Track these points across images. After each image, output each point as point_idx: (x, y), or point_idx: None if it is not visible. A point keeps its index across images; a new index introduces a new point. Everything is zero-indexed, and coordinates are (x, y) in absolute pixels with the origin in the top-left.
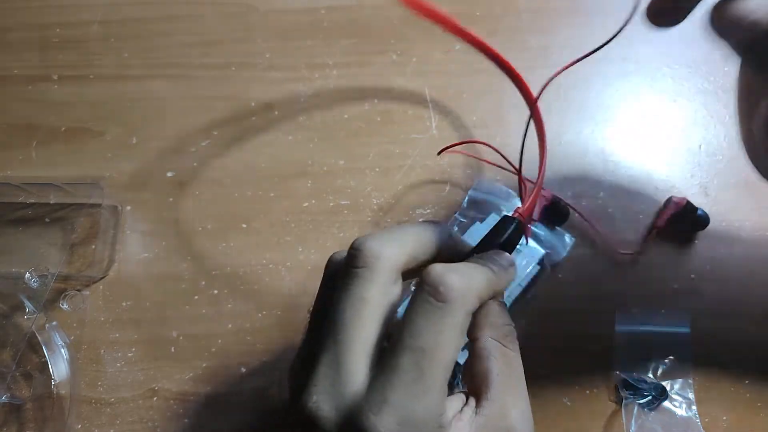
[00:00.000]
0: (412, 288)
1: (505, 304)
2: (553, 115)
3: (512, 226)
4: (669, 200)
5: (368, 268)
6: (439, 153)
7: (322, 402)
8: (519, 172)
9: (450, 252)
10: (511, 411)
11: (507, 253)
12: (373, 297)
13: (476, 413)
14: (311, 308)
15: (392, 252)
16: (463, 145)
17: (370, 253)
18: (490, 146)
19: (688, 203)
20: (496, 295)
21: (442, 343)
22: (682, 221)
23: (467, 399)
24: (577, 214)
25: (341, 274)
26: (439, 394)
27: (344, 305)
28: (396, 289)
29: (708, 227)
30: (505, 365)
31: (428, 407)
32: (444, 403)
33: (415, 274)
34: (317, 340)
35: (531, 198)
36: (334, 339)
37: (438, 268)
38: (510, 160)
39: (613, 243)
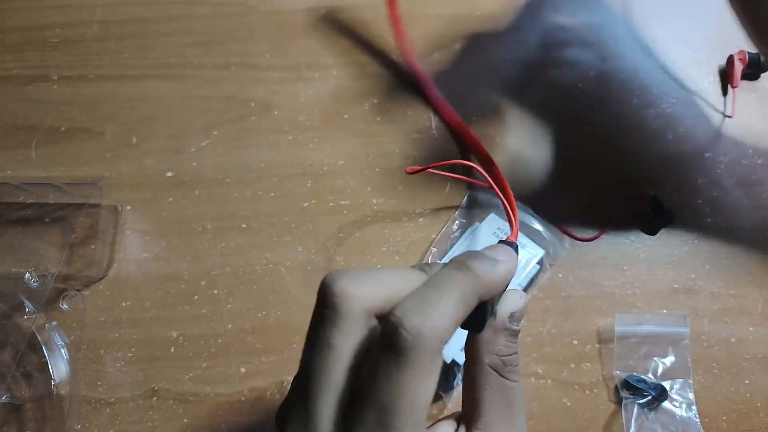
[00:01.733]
0: None
1: (516, 328)
2: None
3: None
4: (639, 194)
5: (335, 310)
6: (409, 173)
7: None
8: (507, 201)
9: None
10: None
11: (506, 245)
12: (339, 343)
13: None
14: (306, 343)
15: (364, 293)
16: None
17: (338, 293)
18: (471, 165)
19: (654, 198)
20: (492, 295)
21: (407, 396)
22: (648, 215)
23: (458, 426)
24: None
25: (314, 311)
26: None
27: (312, 351)
28: (370, 334)
29: (709, 227)
30: (500, 397)
31: None
32: None
33: None
34: (294, 382)
35: (515, 223)
36: (304, 385)
37: (396, 312)
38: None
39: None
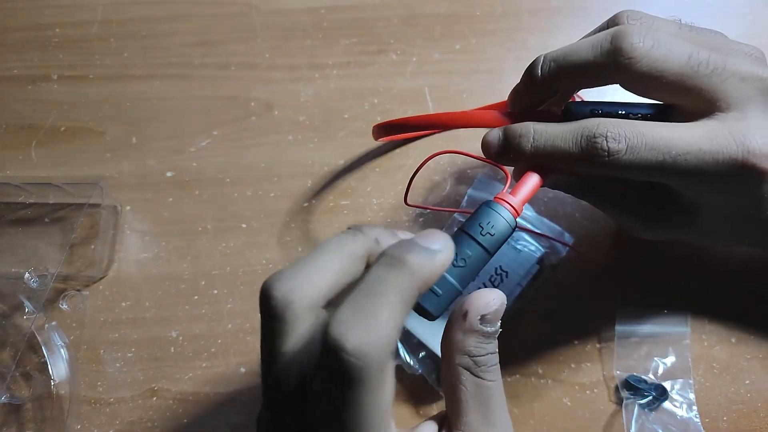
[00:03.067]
0: None
1: (489, 330)
2: None
3: (494, 216)
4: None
5: (281, 321)
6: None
7: None
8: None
9: None
10: None
11: (438, 232)
12: (292, 350)
13: None
14: (261, 359)
15: (305, 292)
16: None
17: (281, 302)
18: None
19: None
20: (431, 286)
21: (362, 415)
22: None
23: (440, 427)
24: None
25: (261, 322)
26: None
27: (267, 364)
28: (320, 325)
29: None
30: (477, 396)
31: None
32: None
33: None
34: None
35: (526, 186)
36: (271, 401)
37: (333, 333)
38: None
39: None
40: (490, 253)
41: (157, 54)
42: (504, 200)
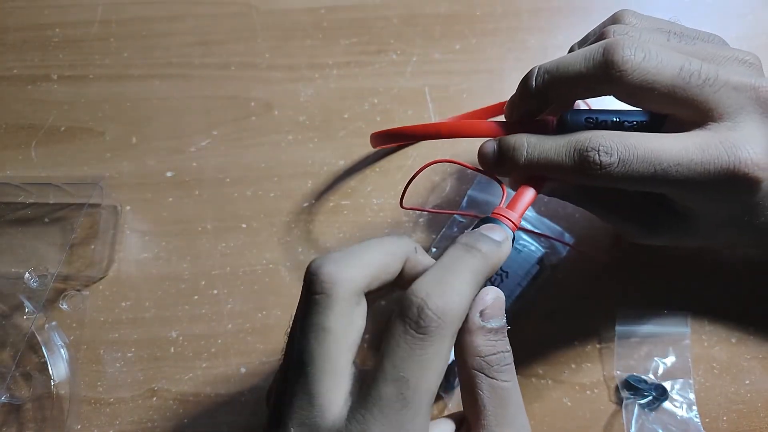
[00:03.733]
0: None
1: (493, 326)
2: None
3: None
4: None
5: (326, 294)
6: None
7: None
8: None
9: (416, 268)
10: None
11: (499, 225)
12: (334, 326)
13: None
14: (288, 329)
15: (351, 275)
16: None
17: (326, 278)
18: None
19: None
20: (495, 269)
21: (427, 372)
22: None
23: (458, 427)
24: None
25: (302, 299)
26: (424, 423)
27: (308, 336)
28: (360, 311)
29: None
30: (494, 398)
31: None
32: (427, 430)
33: (380, 292)
34: (290, 369)
35: (521, 200)
36: (303, 371)
37: (419, 294)
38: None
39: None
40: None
41: (157, 54)
42: (503, 215)
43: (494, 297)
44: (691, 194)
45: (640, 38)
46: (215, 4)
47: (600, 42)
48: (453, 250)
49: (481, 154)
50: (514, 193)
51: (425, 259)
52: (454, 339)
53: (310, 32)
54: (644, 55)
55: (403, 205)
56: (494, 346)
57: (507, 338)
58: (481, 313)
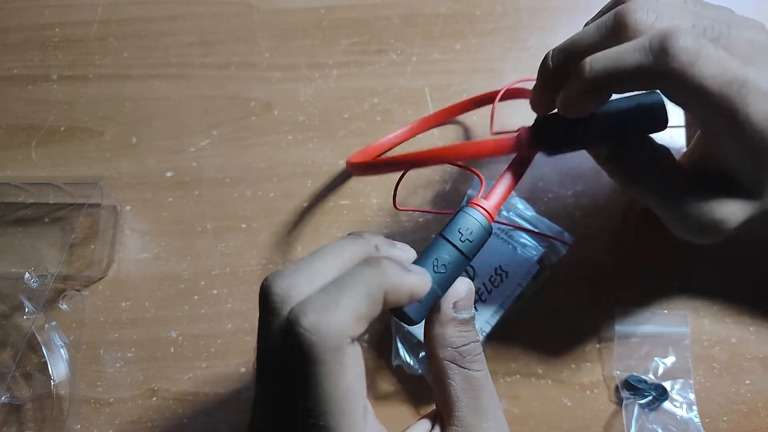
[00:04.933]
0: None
1: (464, 317)
2: None
3: (472, 223)
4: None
5: (278, 316)
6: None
7: None
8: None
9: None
10: None
11: (422, 270)
12: (346, 386)
13: None
14: (256, 354)
15: (303, 291)
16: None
17: (280, 299)
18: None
19: None
20: (399, 298)
21: (324, 394)
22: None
23: (433, 425)
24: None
25: (259, 317)
26: None
27: (262, 361)
28: (356, 350)
29: None
30: (467, 388)
31: None
32: None
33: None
34: (286, 410)
35: (501, 186)
36: (260, 391)
37: (294, 310)
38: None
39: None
40: (468, 258)
41: (157, 54)
42: (479, 205)
43: (467, 289)
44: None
45: (656, 1)
46: (215, 4)
47: (612, 9)
48: (355, 265)
49: (543, 64)
50: (493, 182)
51: (392, 251)
52: (350, 352)
53: (310, 32)
54: (656, 16)
55: (398, 206)
56: (466, 336)
57: (476, 328)
58: (455, 305)
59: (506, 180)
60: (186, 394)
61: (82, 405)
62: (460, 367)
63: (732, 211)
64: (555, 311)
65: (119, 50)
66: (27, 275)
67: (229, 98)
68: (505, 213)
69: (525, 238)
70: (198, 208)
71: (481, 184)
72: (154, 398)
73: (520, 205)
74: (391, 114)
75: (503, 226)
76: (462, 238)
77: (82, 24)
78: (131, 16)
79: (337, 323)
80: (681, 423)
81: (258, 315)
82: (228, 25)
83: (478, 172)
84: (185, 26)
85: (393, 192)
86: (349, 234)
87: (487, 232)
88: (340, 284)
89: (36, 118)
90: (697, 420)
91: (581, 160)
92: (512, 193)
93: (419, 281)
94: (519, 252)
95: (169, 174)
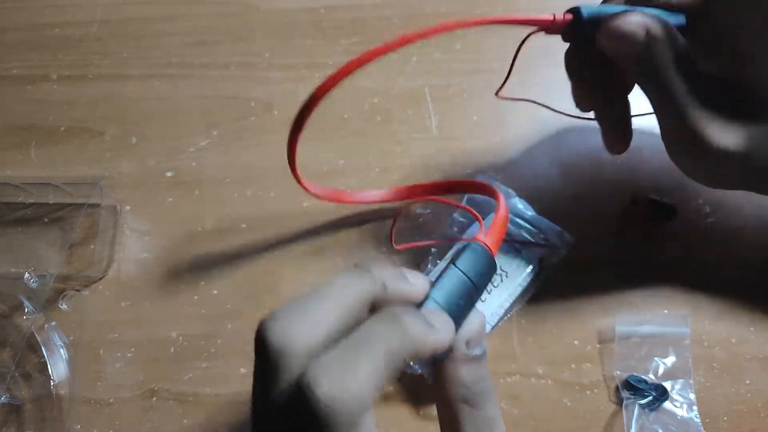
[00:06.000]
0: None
1: (477, 353)
2: None
3: (482, 258)
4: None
5: (273, 366)
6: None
7: None
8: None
9: (400, 298)
10: None
11: (439, 310)
12: (281, 395)
13: None
14: (252, 404)
15: (301, 339)
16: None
17: (277, 348)
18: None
19: (653, 201)
20: (435, 353)
21: None
22: (649, 216)
23: None
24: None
25: (255, 363)
26: None
27: (257, 404)
28: (369, 418)
29: (710, 227)
30: (480, 431)
31: None
32: None
33: None
34: None
35: (498, 219)
36: None
37: (309, 375)
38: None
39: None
40: (480, 293)
41: (157, 54)
42: (485, 243)
43: (480, 323)
44: None
45: None
46: (215, 4)
47: None
48: (372, 319)
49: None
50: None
51: (403, 287)
52: (362, 423)
53: (310, 32)
54: None
55: (395, 245)
56: (477, 374)
57: (485, 367)
58: (468, 342)
59: (502, 212)
60: (186, 394)
61: (82, 405)
62: (473, 408)
63: (731, 135)
64: (555, 311)
65: (119, 50)
66: (27, 275)
67: (228, 98)
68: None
69: (525, 238)
70: (198, 208)
71: (481, 223)
72: (154, 398)
73: (520, 205)
74: (391, 114)
75: None
76: (476, 272)
77: (82, 24)
78: (131, 16)
79: (355, 395)
80: (681, 423)
81: (254, 361)
82: (228, 25)
83: (474, 211)
84: (185, 26)
85: (389, 234)
86: (354, 265)
87: (494, 269)
88: (355, 346)
89: (36, 118)
90: (697, 420)
91: (582, 159)
92: (512, 192)
93: (444, 338)
94: (519, 252)
95: (169, 174)
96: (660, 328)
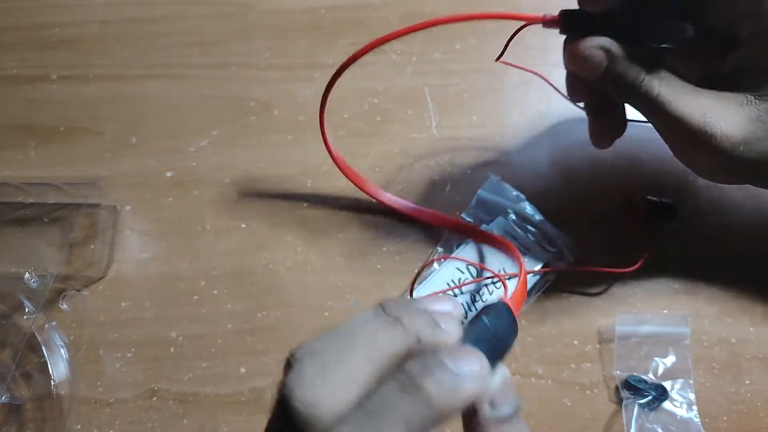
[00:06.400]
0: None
1: (511, 410)
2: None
3: (507, 322)
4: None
5: None
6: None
7: None
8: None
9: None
10: None
11: (473, 350)
12: None
13: None
14: None
15: (330, 405)
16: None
17: (300, 417)
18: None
19: (652, 202)
20: (447, 417)
21: None
22: (650, 217)
23: None
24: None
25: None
26: None
27: None
28: None
29: (709, 227)
30: None
31: None
32: None
33: None
34: None
35: (521, 283)
36: None
37: None
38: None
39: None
40: (502, 358)
41: (156, 54)
42: (510, 306)
43: (503, 378)
44: None
45: None
46: (214, 4)
47: None
48: (389, 385)
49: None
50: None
51: (438, 339)
52: None
53: (310, 32)
54: None
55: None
56: (503, 408)
57: (521, 420)
58: (491, 403)
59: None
60: (186, 394)
61: (82, 405)
62: None
63: (731, 122)
64: (555, 311)
65: (118, 50)
66: (27, 275)
67: (228, 98)
68: (513, 217)
69: (531, 241)
70: (198, 208)
71: (505, 289)
72: (154, 398)
73: (529, 209)
74: (391, 114)
75: (509, 226)
76: (502, 333)
77: (81, 24)
78: (130, 16)
79: None
80: (681, 423)
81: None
82: (227, 25)
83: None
84: (184, 26)
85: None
86: (378, 306)
87: (516, 334)
88: (373, 418)
89: (35, 118)
90: (697, 420)
91: (582, 159)
92: (522, 196)
93: (478, 387)
94: (523, 255)
95: (168, 174)
96: (660, 328)
